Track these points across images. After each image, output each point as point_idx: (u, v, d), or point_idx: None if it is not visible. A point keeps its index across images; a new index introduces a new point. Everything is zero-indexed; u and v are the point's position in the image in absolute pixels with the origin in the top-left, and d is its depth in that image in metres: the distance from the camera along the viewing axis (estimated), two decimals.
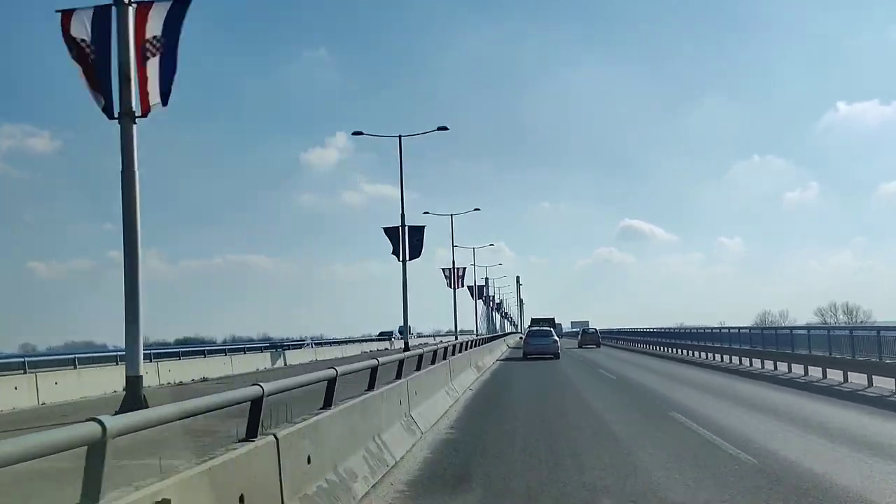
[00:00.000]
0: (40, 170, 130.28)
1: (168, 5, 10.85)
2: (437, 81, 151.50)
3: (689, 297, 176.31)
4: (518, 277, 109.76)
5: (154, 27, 10.83)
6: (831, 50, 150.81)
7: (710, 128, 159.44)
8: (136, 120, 10.73)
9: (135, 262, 11.08)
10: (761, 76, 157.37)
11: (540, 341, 36.88)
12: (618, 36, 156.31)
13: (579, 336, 61.41)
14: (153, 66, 10.73)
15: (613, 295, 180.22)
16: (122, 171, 10.82)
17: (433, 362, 15.86)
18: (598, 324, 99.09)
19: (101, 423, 3.54)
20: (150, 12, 10.83)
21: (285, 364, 38.46)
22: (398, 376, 11.58)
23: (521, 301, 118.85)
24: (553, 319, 68.59)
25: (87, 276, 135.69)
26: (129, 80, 10.81)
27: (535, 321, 67.28)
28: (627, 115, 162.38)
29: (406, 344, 33.05)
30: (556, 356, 35.28)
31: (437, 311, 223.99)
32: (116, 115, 10.90)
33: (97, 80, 10.84)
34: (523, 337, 45.78)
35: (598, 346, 55.61)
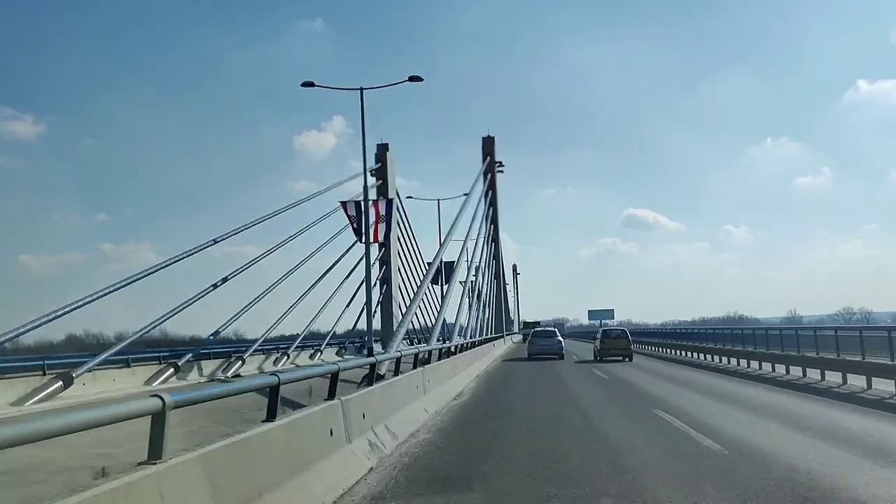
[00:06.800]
0: (23, 156, 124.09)
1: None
2: (440, 58, 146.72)
3: (695, 287, 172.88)
4: (514, 266, 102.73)
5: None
6: (855, 25, 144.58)
7: (722, 110, 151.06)
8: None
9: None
10: (782, 53, 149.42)
11: (545, 342, 40.77)
12: (630, 8, 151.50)
13: (597, 340, 37.96)
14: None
15: (617, 286, 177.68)
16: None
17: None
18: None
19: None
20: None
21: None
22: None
23: (515, 283, 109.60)
24: (539, 322, 75.04)
25: (80, 270, 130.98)
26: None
27: (526, 324, 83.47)
28: (637, 95, 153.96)
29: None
30: (561, 356, 38.96)
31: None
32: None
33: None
34: (528, 337, 44.91)
35: (630, 358, 35.62)
